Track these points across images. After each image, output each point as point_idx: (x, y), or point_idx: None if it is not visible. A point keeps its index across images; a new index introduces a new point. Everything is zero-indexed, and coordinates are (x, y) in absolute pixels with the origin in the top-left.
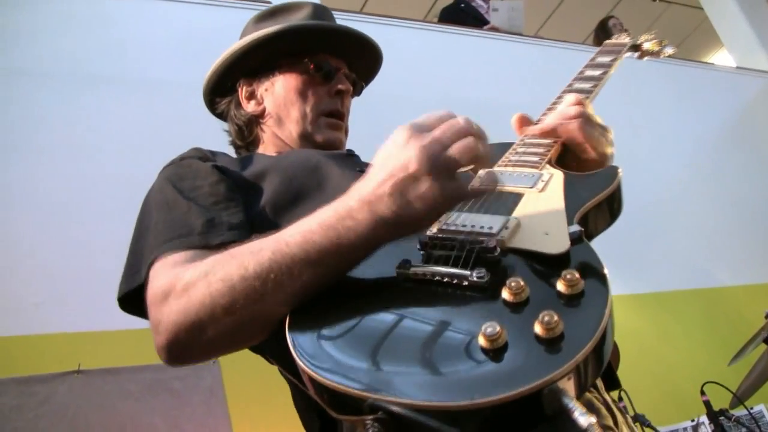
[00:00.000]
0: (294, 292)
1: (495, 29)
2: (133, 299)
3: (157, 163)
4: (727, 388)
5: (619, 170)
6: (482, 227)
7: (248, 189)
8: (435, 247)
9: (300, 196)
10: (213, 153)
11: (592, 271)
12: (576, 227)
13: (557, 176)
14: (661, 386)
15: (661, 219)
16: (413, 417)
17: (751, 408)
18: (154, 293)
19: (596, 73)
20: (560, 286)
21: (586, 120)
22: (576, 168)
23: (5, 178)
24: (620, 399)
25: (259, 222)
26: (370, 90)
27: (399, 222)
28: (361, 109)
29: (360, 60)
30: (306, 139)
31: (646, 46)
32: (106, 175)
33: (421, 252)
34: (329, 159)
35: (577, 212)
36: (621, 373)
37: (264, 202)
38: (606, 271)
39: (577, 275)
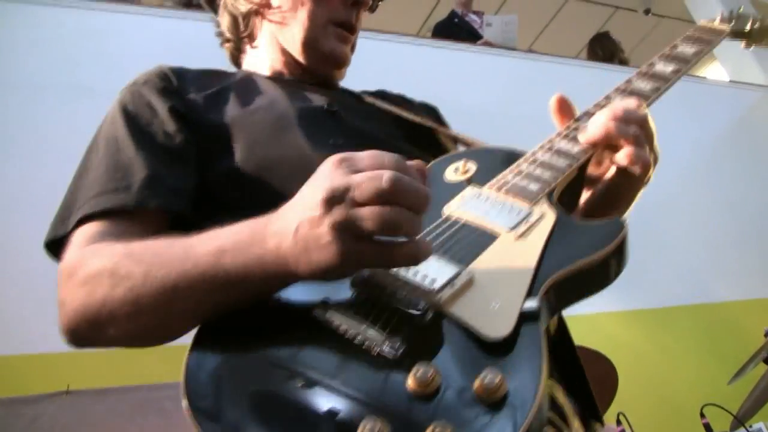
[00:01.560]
0: (198, 314)
1: (489, 44)
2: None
3: None
4: (727, 410)
5: (626, 224)
6: (425, 277)
7: (207, 143)
8: (364, 290)
9: (261, 169)
10: (181, 76)
11: (525, 372)
12: (533, 303)
13: (548, 219)
14: (661, 407)
15: (657, 233)
16: None
17: (750, 426)
18: (63, 267)
19: (668, 69)
20: (476, 385)
21: (644, 135)
22: (591, 180)
23: None
24: (618, 422)
25: (218, 186)
26: None
27: (306, 273)
28: None
29: None
30: (310, 46)
31: (756, 31)
32: None
33: (350, 291)
34: (303, 120)
35: (549, 278)
36: (619, 393)
37: (224, 167)
38: (544, 371)
39: (498, 379)
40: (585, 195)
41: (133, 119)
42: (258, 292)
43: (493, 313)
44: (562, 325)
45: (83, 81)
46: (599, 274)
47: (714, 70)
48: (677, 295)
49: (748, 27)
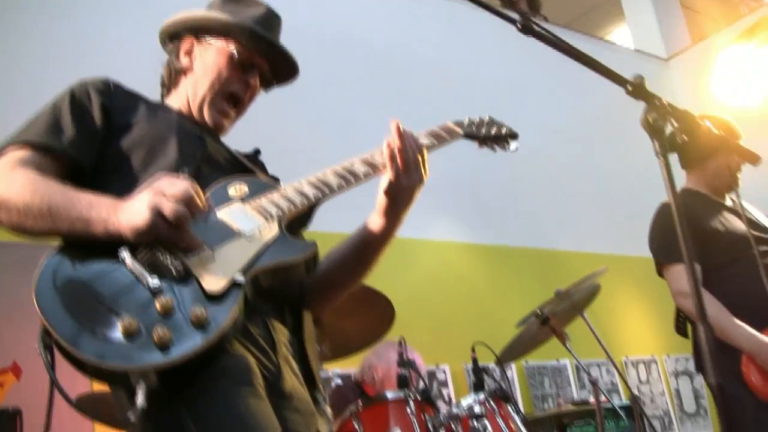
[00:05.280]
0: (59, 231)
1: None
2: None
3: None
4: (490, 349)
5: (316, 246)
6: (189, 250)
7: (117, 131)
8: (151, 251)
9: (139, 158)
10: (117, 89)
11: (223, 312)
12: (241, 278)
13: (272, 232)
14: (449, 335)
15: (520, 179)
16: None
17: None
18: None
19: (426, 141)
20: (192, 314)
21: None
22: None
23: None
24: (400, 344)
25: (112, 156)
26: None
27: (126, 231)
28: None
29: (279, 69)
30: (200, 109)
31: (485, 137)
32: None
33: (142, 250)
34: (180, 138)
35: (257, 265)
36: (423, 319)
37: (122, 146)
38: (233, 314)
39: (204, 313)
40: (383, 201)
41: (77, 101)
42: (98, 233)
43: (217, 276)
44: (299, 318)
45: None
46: (293, 271)
47: (621, 32)
48: (522, 236)
49: (482, 133)
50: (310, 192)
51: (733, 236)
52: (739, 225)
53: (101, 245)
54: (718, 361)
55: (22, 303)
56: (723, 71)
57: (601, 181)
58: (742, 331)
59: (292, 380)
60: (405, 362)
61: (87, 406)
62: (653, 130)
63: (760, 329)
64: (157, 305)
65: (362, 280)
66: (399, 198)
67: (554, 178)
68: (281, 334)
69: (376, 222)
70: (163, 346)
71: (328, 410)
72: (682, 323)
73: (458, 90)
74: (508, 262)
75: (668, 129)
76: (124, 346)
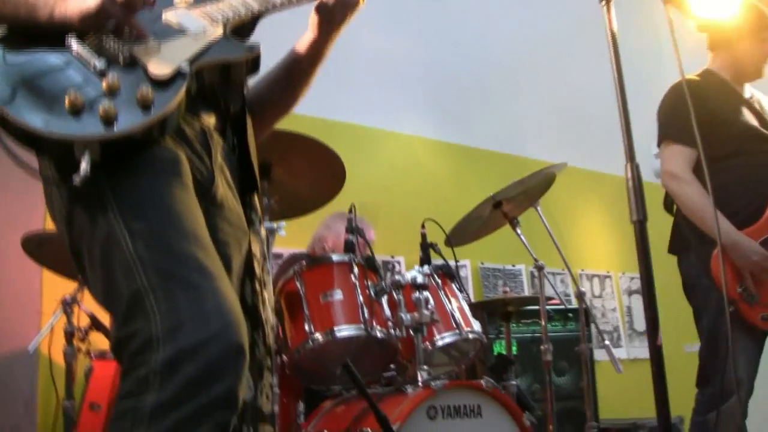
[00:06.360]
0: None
1: None
2: None
3: None
4: (439, 226)
5: (258, 47)
6: (137, 40)
7: None
8: (100, 39)
9: None
10: None
11: (168, 94)
12: (186, 66)
13: (215, 33)
14: (408, 214)
15: (500, 86)
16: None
17: (459, 261)
18: None
19: None
20: (138, 93)
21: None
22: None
23: None
24: (350, 211)
25: None
26: None
27: (74, 17)
28: None
29: None
30: None
31: None
32: None
33: (93, 36)
34: None
35: (202, 59)
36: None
37: None
38: (178, 97)
39: (151, 92)
40: (316, 18)
41: None
42: (42, 19)
43: (163, 64)
44: (242, 122)
45: None
46: (236, 71)
47: None
48: (492, 140)
49: None
50: (255, 4)
51: (740, 128)
52: (750, 119)
53: (47, 34)
54: (642, 202)
55: None
56: None
57: (580, 97)
58: (724, 225)
59: (225, 190)
60: (354, 229)
61: (34, 248)
62: None
63: (742, 227)
64: (104, 84)
65: (293, 102)
66: (333, 16)
67: (533, 88)
68: (218, 145)
69: (307, 39)
70: (108, 120)
71: (263, 231)
72: (669, 201)
73: None
74: (475, 163)
75: None
76: (69, 119)
